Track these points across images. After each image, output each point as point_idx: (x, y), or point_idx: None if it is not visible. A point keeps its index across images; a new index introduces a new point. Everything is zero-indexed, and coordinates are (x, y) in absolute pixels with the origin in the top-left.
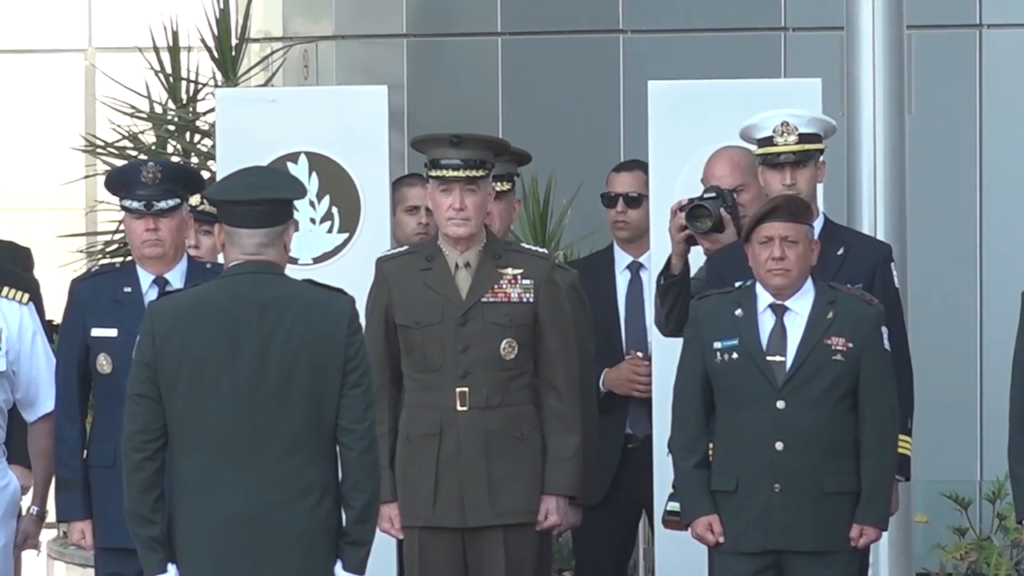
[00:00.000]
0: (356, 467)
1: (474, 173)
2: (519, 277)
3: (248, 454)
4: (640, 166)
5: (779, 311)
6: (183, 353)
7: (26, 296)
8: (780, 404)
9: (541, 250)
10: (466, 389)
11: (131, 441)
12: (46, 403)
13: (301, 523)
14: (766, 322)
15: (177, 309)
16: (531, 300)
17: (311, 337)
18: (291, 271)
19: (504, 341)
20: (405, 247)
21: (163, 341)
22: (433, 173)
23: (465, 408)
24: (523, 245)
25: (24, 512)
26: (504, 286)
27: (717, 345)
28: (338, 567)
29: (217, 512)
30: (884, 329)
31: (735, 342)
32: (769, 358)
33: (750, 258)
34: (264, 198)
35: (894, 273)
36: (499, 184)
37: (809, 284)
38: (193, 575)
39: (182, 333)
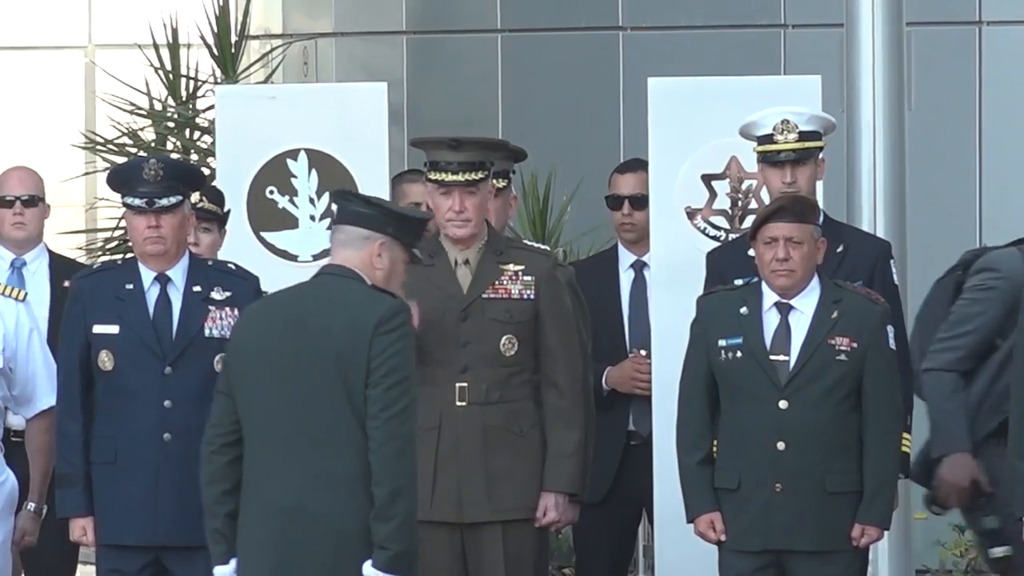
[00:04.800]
0: (374, 462)
1: (473, 176)
2: (520, 274)
3: (285, 447)
4: (643, 166)
5: (784, 310)
6: (243, 349)
7: (23, 293)
8: (783, 404)
9: (542, 247)
10: (465, 384)
11: (206, 435)
12: (43, 400)
13: (332, 515)
14: (771, 321)
15: (254, 307)
16: (532, 296)
17: (339, 333)
18: (288, 269)
19: (504, 337)
20: None
21: (234, 338)
22: (432, 176)
23: (464, 403)
24: (525, 242)
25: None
26: (505, 282)
27: (722, 343)
28: (367, 564)
29: (260, 504)
30: (890, 328)
31: (739, 340)
32: (772, 357)
33: (756, 257)
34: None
35: (893, 270)
36: (495, 181)
37: (815, 283)
38: (243, 567)
39: (246, 330)
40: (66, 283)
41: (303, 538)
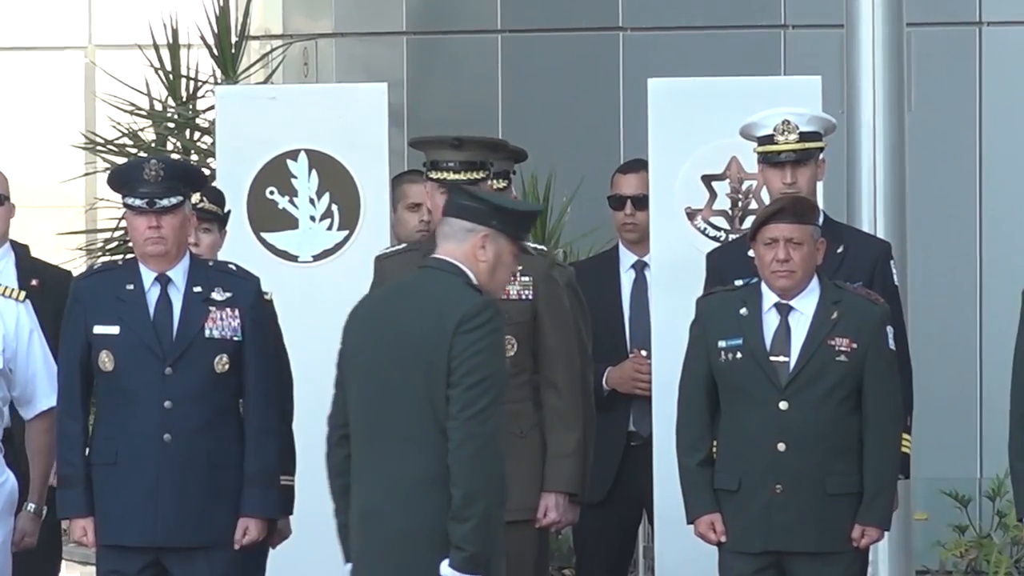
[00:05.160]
0: (452, 463)
1: (474, 175)
2: (518, 274)
3: (371, 447)
4: (645, 166)
5: (784, 311)
6: (345, 345)
7: (23, 294)
8: (783, 405)
9: (540, 247)
10: None
11: (328, 427)
12: (43, 400)
13: (399, 517)
14: (771, 322)
15: (361, 301)
16: (530, 297)
17: (424, 332)
18: (288, 269)
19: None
20: (403, 245)
21: (343, 332)
22: (434, 175)
23: None
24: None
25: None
26: None
27: (721, 344)
28: (444, 564)
29: (353, 505)
30: (890, 329)
31: (739, 342)
32: (772, 358)
33: (756, 258)
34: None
35: (893, 271)
36: (496, 182)
37: (815, 283)
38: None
39: (350, 325)
40: (34, 281)
41: (372, 540)
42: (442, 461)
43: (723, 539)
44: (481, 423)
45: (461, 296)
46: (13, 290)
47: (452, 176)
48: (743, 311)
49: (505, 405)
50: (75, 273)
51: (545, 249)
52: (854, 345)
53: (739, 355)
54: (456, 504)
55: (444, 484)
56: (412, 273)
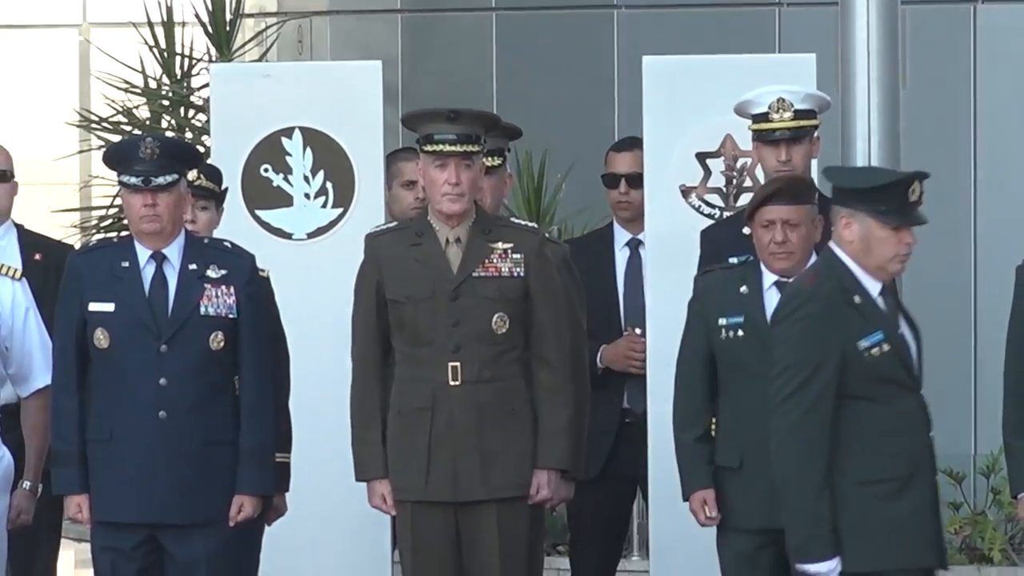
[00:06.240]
0: None
1: (470, 148)
2: (509, 251)
3: None
4: (639, 144)
5: (784, 288)
6: None
7: (19, 272)
8: None
9: (531, 224)
10: (458, 364)
11: None
12: (39, 378)
13: None
14: (771, 299)
15: None
16: (522, 274)
17: None
18: (283, 247)
19: (495, 315)
20: (395, 223)
21: None
22: (428, 148)
23: (457, 383)
24: (512, 220)
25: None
26: (495, 260)
27: (722, 322)
28: None
29: None
30: None
31: (740, 319)
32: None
33: (753, 239)
34: None
35: None
36: (490, 159)
37: (813, 260)
38: None
39: None
40: (37, 256)
41: None
42: None
43: (713, 514)
44: (784, 413)
45: None
46: (9, 268)
47: (448, 149)
48: (743, 289)
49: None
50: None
51: (535, 226)
52: None
53: (740, 332)
54: None
55: None
56: None
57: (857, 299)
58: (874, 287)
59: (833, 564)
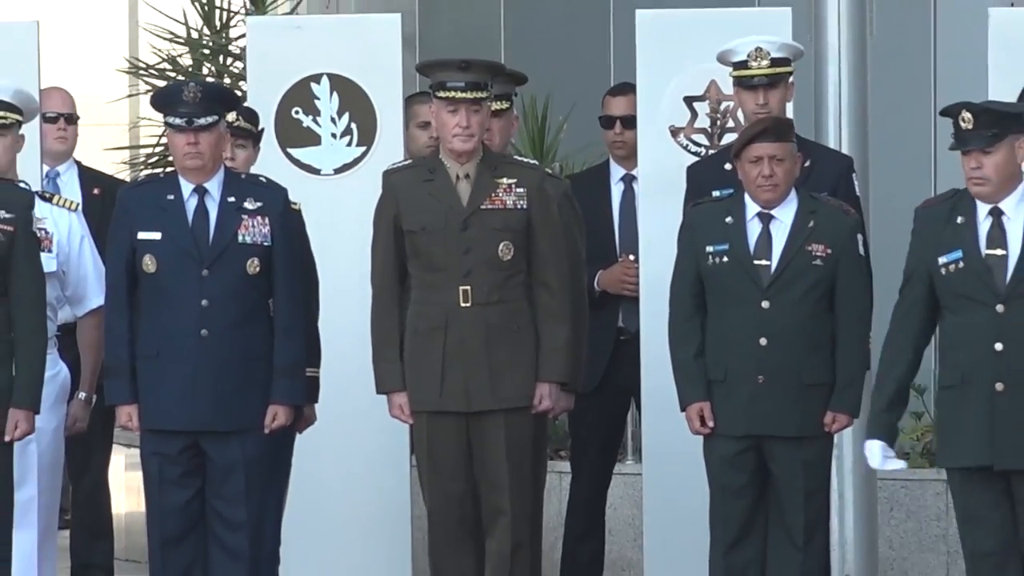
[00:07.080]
0: None
1: (478, 95)
2: (513, 186)
3: None
4: (632, 89)
5: (765, 219)
6: None
7: (75, 204)
8: (765, 304)
9: (532, 162)
10: (468, 287)
11: None
12: (93, 300)
13: None
14: (754, 229)
15: None
16: (524, 207)
17: None
18: (312, 182)
19: (502, 244)
20: (409, 160)
21: None
22: (441, 94)
23: (468, 304)
24: (516, 158)
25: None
26: (500, 194)
27: (709, 249)
28: None
29: None
30: (859, 237)
31: (725, 247)
32: (756, 262)
33: (740, 174)
34: None
35: (856, 183)
36: (498, 103)
37: (793, 195)
38: None
39: None
40: (95, 190)
41: None
42: None
43: (711, 424)
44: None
45: None
46: (67, 200)
47: (460, 94)
48: (728, 219)
49: None
50: None
51: (536, 163)
52: (828, 251)
53: (725, 259)
54: None
55: None
56: None
57: (960, 219)
58: (982, 208)
59: (874, 445)
